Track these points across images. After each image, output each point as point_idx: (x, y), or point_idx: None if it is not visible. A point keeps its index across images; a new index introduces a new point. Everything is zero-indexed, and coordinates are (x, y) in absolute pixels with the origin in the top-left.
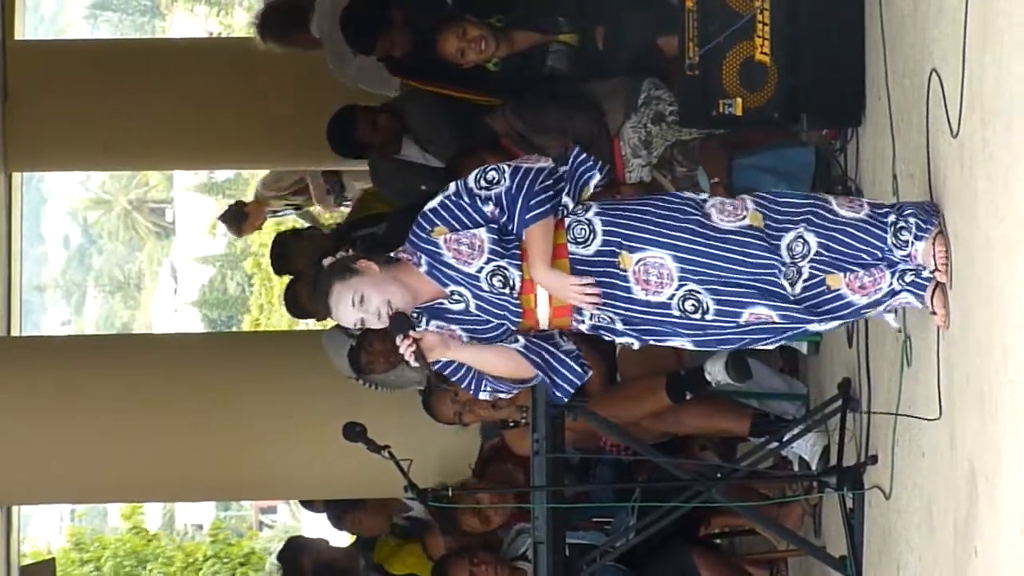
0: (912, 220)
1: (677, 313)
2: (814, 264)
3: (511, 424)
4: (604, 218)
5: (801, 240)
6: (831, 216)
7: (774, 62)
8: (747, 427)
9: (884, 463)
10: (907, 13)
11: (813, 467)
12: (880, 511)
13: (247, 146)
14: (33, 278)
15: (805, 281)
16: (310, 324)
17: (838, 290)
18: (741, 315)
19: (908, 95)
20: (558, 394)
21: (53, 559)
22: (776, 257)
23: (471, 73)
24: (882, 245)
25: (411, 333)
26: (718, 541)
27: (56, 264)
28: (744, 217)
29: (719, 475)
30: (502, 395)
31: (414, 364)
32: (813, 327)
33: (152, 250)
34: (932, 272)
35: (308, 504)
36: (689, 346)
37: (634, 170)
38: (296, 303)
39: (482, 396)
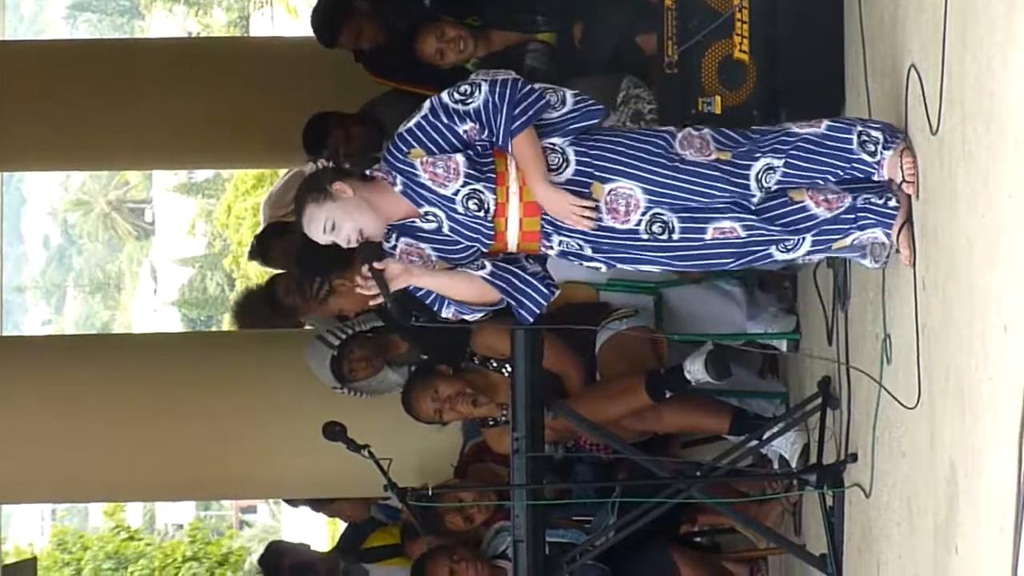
0: (876, 133)
1: (645, 236)
2: (780, 182)
3: (491, 423)
4: (577, 148)
5: (770, 171)
6: (793, 139)
7: (753, 60)
8: (727, 425)
9: (864, 461)
10: (886, 9)
11: (793, 465)
12: (860, 509)
13: (227, 146)
14: (13, 278)
15: (769, 194)
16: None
17: (801, 202)
18: (706, 231)
19: (887, 92)
20: (524, 314)
21: (34, 558)
22: (746, 191)
23: (450, 74)
24: (848, 150)
25: (375, 264)
26: (698, 539)
27: (36, 264)
28: (711, 153)
29: (699, 473)
30: (465, 316)
31: (372, 295)
32: (779, 253)
33: (132, 250)
34: (900, 184)
35: (290, 500)
36: (657, 269)
37: None
38: (248, 317)
39: (445, 313)
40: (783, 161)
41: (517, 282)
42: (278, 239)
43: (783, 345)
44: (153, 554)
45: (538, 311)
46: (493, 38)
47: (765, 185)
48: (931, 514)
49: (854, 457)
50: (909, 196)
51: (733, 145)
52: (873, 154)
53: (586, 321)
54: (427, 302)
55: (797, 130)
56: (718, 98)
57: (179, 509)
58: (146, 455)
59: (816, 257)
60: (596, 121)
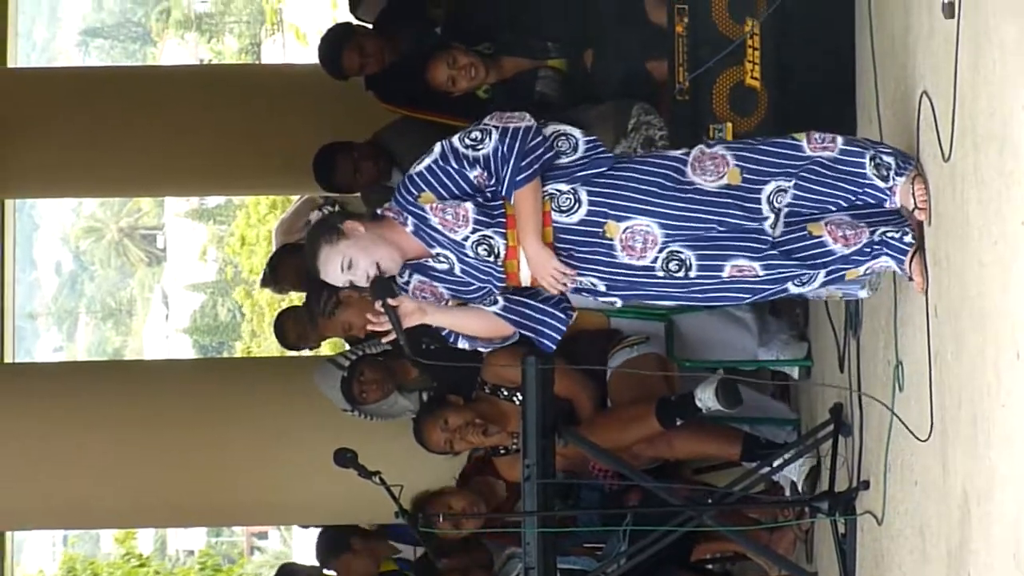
0: (889, 158)
1: (661, 274)
2: (792, 206)
3: (502, 451)
4: (589, 188)
5: (781, 192)
6: (806, 163)
7: (764, 86)
8: (738, 452)
9: (876, 488)
10: (898, 36)
11: (800, 486)
12: (872, 536)
13: (238, 172)
14: (25, 305)
15: (786, 225)
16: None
17: (820, 237)
18: (723, 268)
19: (899, 118)
20: (545, 343)
21: None
22: (758, 215)
23: (462, 100)
24: (861, 174)
25: (389, 301)
26: (710, 567)
27: (48, 291)
28: (723, 175)
29: (710, 500)
30: (480, 348)
31: (385, 330)
32: (794, 287)
33: (143, 277)
34: (912, 211)
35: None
36: (673, 305)
37: None
38: (285, 337)
39: (460, 344)
40: (793, 183)
41: (532, 312)
42: (289, 258)
43: (795, 372)
44: None
45: (558, 337)
46: (504, 65)
47: (777, 206)
48: (944, 541)
49: (866, 484)
50: (921, 223)
51: (745, 155)
52: (886, 179)
53: (597, 348)
54: (443, 334)
55: (810, 152)
56: (729, 125)
57: (190, 535)
58: (157, 481)
59: (828, 291)
60: (603, 169)
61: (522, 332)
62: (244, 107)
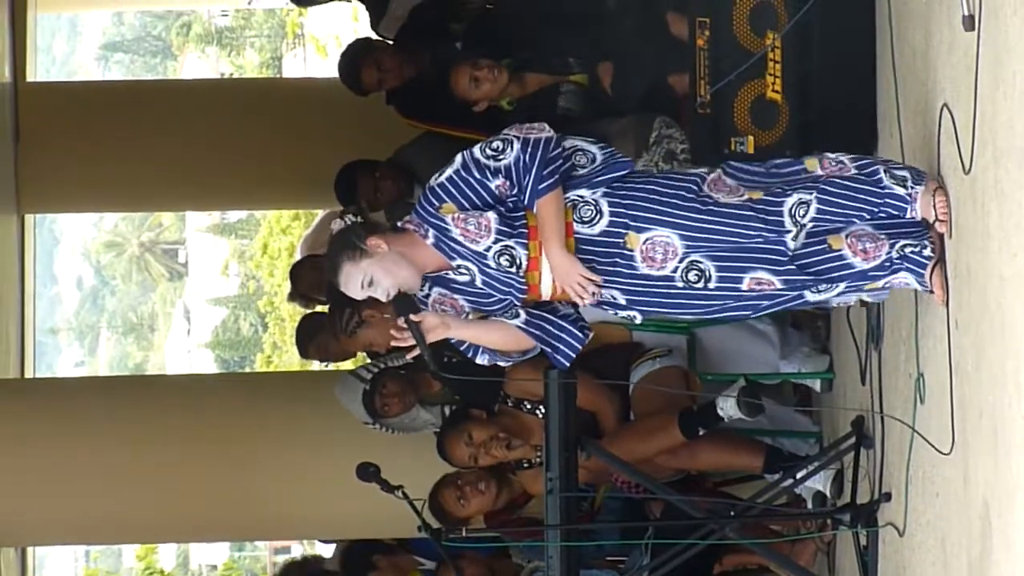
0: (903, 172)
1: (681, 284)
2: (816, 220)
3: (526, 464)
4: (611, 199)
5: (803, 205)
6: (820, 176)
7: (786, 99)
8: (761, 463)
9: (898, 500)
10: (919, 50)
11: (828, 492)
12: (894, 548)
13: (260, 187)
14: (47, 320)
15: (807, 237)
16: (323, 365)
17: (839, 251)
18: (743, 280)
19: (920, 131)
20: (560, 359)
21: None
22: (779, 227)
23: (484, 114)
24: (879, 183)
25: (412, 317)
26: None
27: (69, 306)
28: (743, 192)
29: (732, 513)
30: (500, 363)
31: (408, 346)
32: (811, 295)
33: (165, 291)
34: (933, 222)
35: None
36: (691, 318)
37: None
38: (305, 349)
39: (480, 360)
40: (814, 195)
41: (552, 328)
42: (308, 271)
43: (817, 385)
44: None
45: (573, 355)
46: (527, 80)
47: (800, 220)
48: (965, 552)
49: (888, 496)
50: (941, 236)
51: (754, 180)
52: (904, 186)
53: (620, 361)
54: (461, 348)
55: (821, 173)
56: (751, 138)
57: (213, 550)
58: (179, 496)
59: (848, 298)
60: (624, 172)
61: (540, 347)
62: (265, 121)
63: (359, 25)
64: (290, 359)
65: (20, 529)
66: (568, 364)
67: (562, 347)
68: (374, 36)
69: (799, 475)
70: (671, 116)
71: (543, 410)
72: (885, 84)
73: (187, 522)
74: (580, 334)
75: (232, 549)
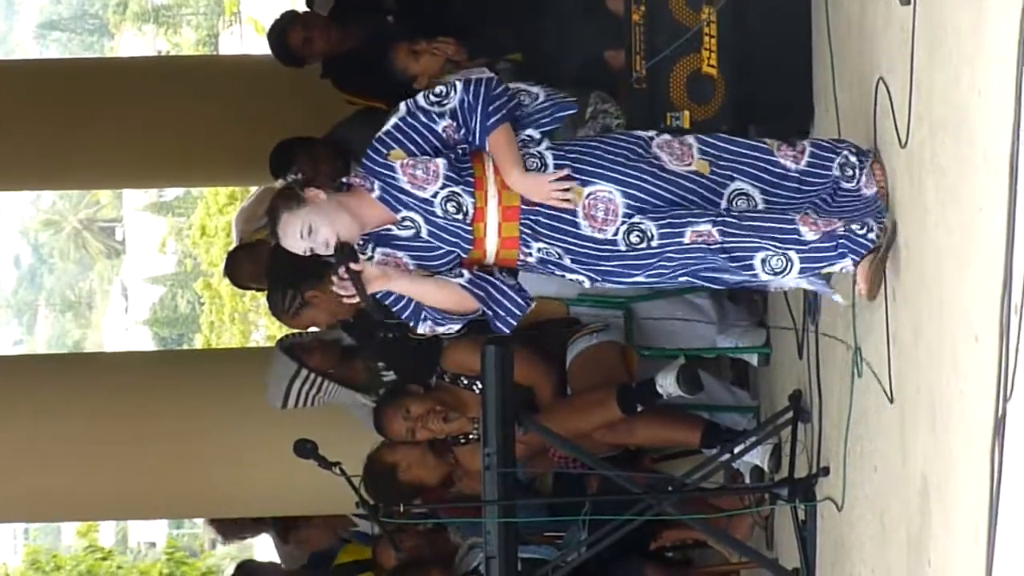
0: (853, 157)
1: (623, 248)
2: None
3: (463, 440)
4: (556, 152)
5: (743, 196)
6: (774, 169)
7: (721, 74)
8: (699, 438)
9: (836, 475)
10: (854, 23)
11: (766, 466)
12: (833, 523)
13: (196, 164)
14: None
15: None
16: (259, 340)
17: (790, 216)
18: (684, 234)
19: (856, 105)
20: (500, 326)
21: None
22: (715, 208)
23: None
24: (829, 176)
25: (352, 265)
26: (670, 554)
27: (7, 284)
28: (690, 163)
29: (670, 488)
30: (440, 329)
31: (349, 296)
32: (765, 274)
33: (103, 269)
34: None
35: (255, 525)
36: (643, 280)
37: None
38: (237, 276)
39: (421, 328)
40: (762, 198)
41: (495, 292)
42: (244, 259)
43: (754, 359)
44: (129, 573)
45: (514, 322)
46: (463, 61)
47: (735, 207)
48: (904, 527)
49: (826, 471)
50: (892, 233)
51: (713, 150)
52: (852, 179)
53: (557, 336)
54: (403, 317)
55: (780, 160)
56: (687, 113)
57: (151, 528)
58: (119, 473)
59: (802, 283)
60: (572, 112)
61: (482, 308)
62: (203, 99)
63: (296, 5)
64: (229, 339)
65: None
66: (509, 330)
67: (502, 313)
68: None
69: (737, 450)
70: (607, 91)
71: (480, 385)
72: (821, 58)
73: (126, 500)
74: (522, 302)
75: (171, 527)
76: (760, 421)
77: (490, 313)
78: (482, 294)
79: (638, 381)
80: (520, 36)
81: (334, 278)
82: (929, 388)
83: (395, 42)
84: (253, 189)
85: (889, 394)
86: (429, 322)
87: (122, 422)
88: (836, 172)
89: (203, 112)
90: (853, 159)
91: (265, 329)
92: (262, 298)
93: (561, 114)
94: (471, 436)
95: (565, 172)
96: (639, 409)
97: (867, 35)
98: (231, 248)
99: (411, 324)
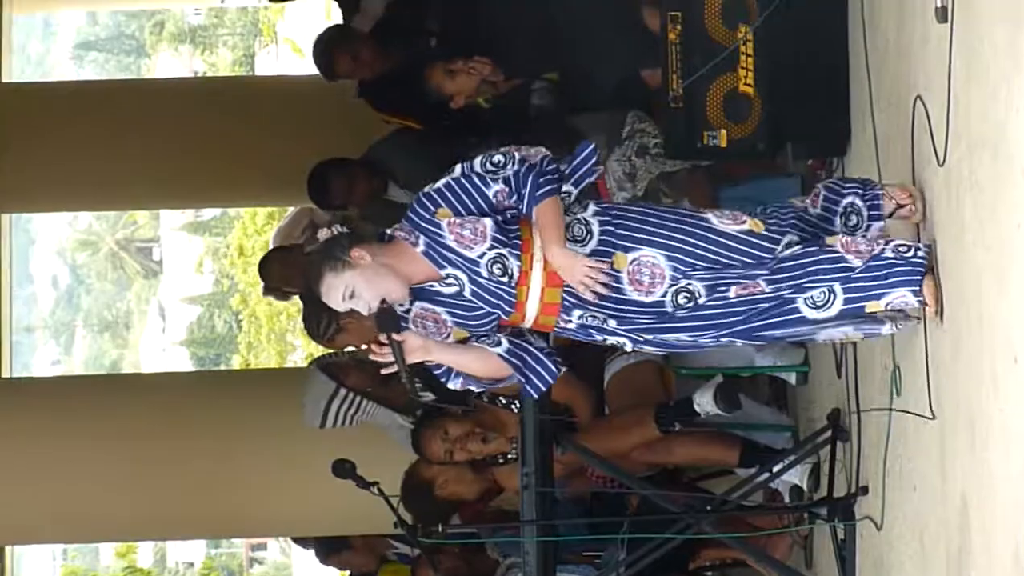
0: (855, 202)
1: (670, 308)
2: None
3: (501, 460)
4: (601, 218)
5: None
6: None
7: (758, 93)
8: (737, 457)
9: (875, 494)
10: (891, 41)
11: (805, 485)
12: (872, 542)
13: (234, 184)
14: (22, 319)
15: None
16: (297, 361)
17: (831, 246)
18: (730, 288)
19: (893, 124)
20: (530, 391)
21: None
22: (770, 262)
23: (462, 112)
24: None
25: (395, 336)
26: (709, 574)
27: (45, 305)
28: (744, 222)
29: (709, 507)
30: (472, 388)
31: (387, 365)
32: (808, 309)
33: (140, 289)
34: (894, 212)
35: (300, 540)
36: (687, 339)
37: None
38: (269, 276)
39: (452, 384)
40: (800, 238)
41: (529, 359)
42: (277, 266)
43: (792, 378)
44: None
45: (544, 388)
46: (499, 81)
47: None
48: (943, 546)
49: (865, 490)
50: (930, 250)
51: (768, 216)
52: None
53: (595, 355)
54: (435, 373)
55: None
56: (723, 131)
57: (189, 548)
58: (157, 494)
59: (847, 332)
60: (598, 174)
61: (516, 376)
62: (240, 119)
63: (333, 23)
64: (267, 358)
65: None
66: (537, 396)
67: (535, 379)
68: None
69: (775, 469)
70: (644, 110)
71: (518, 405)
72: (858, 77)
73: (165, 520)
74: (554, 368)
75: (209, 546)
76: (798, 440)
77: (522, 379)
78: (518, 363)
79: (676, 399)
80: (556, 55)
81: (374, 347)
82: (968, 407)
83: (431, 62)
84: (290, 209)
85: (929, 413)
86: (460, 380)
87: (160, 442)
88: (838, 223)
89: (240, 132)
90: (859, 203)
91: (302, 350)
92: (299, 319)
93: (592, 171)
94: (510, 456)
95: (605, 266)
96: (677, 428)
97: (904, 53)
98: (265, 252)
99: (443, 380)
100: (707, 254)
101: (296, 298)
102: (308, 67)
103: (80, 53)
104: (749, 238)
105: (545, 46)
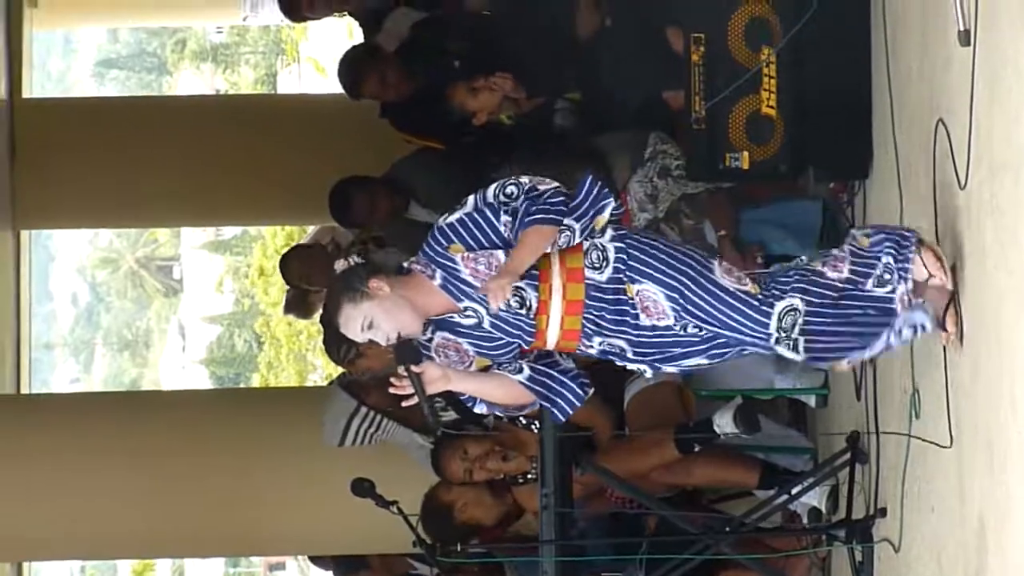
0: (890, 262)
1: (681, 331)
2: (802, 328)
3: (520, 480)
4: (617, 244)
5: (793, 312)
6: (820, 281)
7: (780, 115)
8: (756, 479)
9: (893, 516)
10: (914, 65)
11: (823, 508)
12: (890, 564)
13: (254, 203)
14: (42, 336)
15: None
16: (317, 381)
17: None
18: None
19: (915, 147)
20: (557, 415)
21: None
22: (764, 330)
23: (484, 129)
24: (868, 293)
25: (413, 368)
26: None
27: (65, 322)
28: (746, 284)
29: (728, 528)
30: (497, 412)
31: (407, 396)
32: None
33: (160, 308)
34: (940, 279)
35: (317, 560)
36: (704, 362)
37: (641, 224)
38: (289, 274)
39: (476, 410)
40: (806, 310)
41: (553, 384)
42: (296, 258)
43: (811, 400)
44: None
45: (571, 412)
46: (522, 100)
47: (784, 326)
48: (961, 568)
49: (883, 512)
50: (953, 267)
51: (763, 276)
52: (892, 288)
53: (615, 376)
54: (461, 398)
55: (824, 271)
56: (745, 153)
57: (208, 566)
58: (175, 511)
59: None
60: (610, 204)
61: (540, 402)
62: (261, 137)
63: (354, 43)
64: (287, 378)
65: (16, 545)
66: (564, 419)
67: (561, 403)
68: None
69: (794, 491)
70: (666, 132)
71: (538, 425)
72: (880, 99)
73: (183, 538)
74: (580, 391)
75: (227, 565)
76: (817, 462)
77: (547, 404)
78: (542, 390)
79: (696, 420)
80: (579, 75)
81: (393, 379)
82: (987, 429)
83: (454, 82)
84: (311, 228)
85: (948, 436)
86: (485, 405)
87: (178, 459)
88: (872, 283)
89: (262, 150)
90: (889, 264)
91: (322, 369)
92: (319, 339)
93: (601, 204)
94: (529, 476)
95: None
96: (696, 449)
97: (927, 76)
98: (286, 251)
99: (469, 405)
100: (702, 302)
101: (316, 317)
102: (329, 86)
103: (101, 71)
104: (745, 297)
105: (567, 67)
